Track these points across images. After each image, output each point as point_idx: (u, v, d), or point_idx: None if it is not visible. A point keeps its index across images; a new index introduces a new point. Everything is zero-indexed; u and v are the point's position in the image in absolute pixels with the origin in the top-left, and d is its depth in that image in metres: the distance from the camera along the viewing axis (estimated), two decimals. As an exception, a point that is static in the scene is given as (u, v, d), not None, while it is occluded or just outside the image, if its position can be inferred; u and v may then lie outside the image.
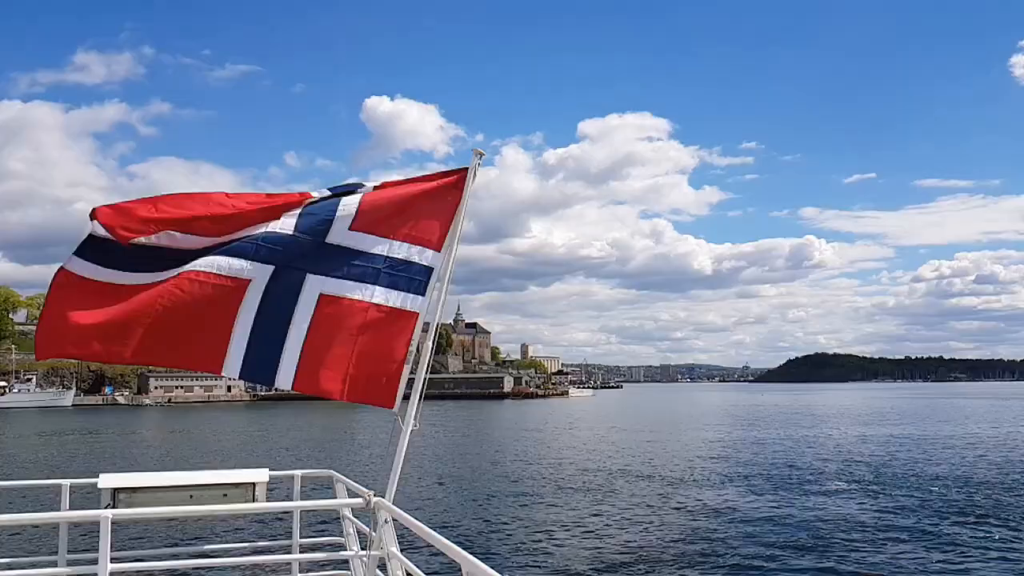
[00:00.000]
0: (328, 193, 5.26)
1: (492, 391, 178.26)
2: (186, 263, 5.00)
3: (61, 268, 5.01)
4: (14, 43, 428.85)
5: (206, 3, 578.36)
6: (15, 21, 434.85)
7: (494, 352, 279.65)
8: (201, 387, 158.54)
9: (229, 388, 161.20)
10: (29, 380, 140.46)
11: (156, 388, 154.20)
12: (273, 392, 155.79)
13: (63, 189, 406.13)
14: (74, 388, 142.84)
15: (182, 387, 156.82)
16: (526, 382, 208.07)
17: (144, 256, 5.02)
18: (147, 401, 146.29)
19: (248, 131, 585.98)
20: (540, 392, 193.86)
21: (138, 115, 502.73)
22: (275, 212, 5.22)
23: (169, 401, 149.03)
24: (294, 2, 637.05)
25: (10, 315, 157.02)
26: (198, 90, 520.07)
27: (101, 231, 4.94)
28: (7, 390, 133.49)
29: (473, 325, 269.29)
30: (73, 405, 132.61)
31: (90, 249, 5.01)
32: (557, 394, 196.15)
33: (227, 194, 5.26)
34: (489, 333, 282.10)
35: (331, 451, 48.21)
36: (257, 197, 5.33)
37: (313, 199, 5.29)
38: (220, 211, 5.14)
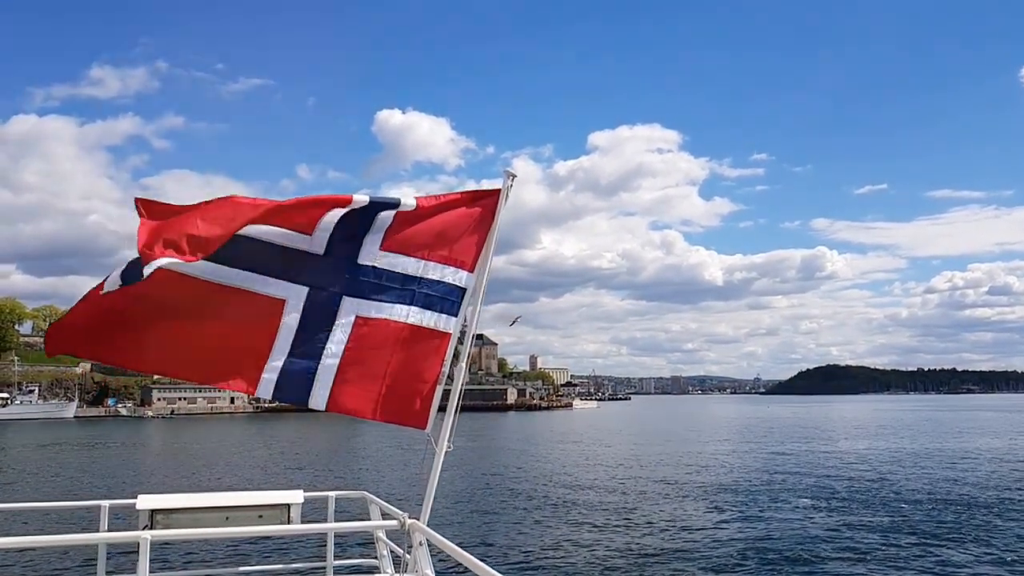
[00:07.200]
0: (367, 200, 5.18)
1: (495, 403, 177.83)
2: (218, 259, 4.87)
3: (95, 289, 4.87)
4: (30, 58, 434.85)
5: (219, 18, 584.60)
6: (31, 36, 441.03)
7: (501, 363, 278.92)
8: (204, 399, 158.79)
9: (232, 400, 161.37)
10: (32, 392, 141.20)
11: (159, 400, 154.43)
12: (276, 404, 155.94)
13: (77, 202, 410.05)
14: (77, 400, 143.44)
15: (185, 399, 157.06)
16: (530, 394, 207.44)
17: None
18: (149, 413, 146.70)
19: (261, 144, 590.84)
20: (543, 404, 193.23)
21: (152, 128, 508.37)
22: (312, 217, 5.08)
23: (172, 413, 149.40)
24: (306, 16, 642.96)
25: (16, 327, 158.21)
26: (211, 103, 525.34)
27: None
28: (9, 402, 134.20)
29: (480, 336, 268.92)
30: (75, 417, 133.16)
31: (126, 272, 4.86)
32: (561, 406, 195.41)
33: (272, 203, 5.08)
34: (496, 344, 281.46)
35: (340, 464, 48.13)
36: (303, 200, 5.19)
37: (352, 207, 5.17)
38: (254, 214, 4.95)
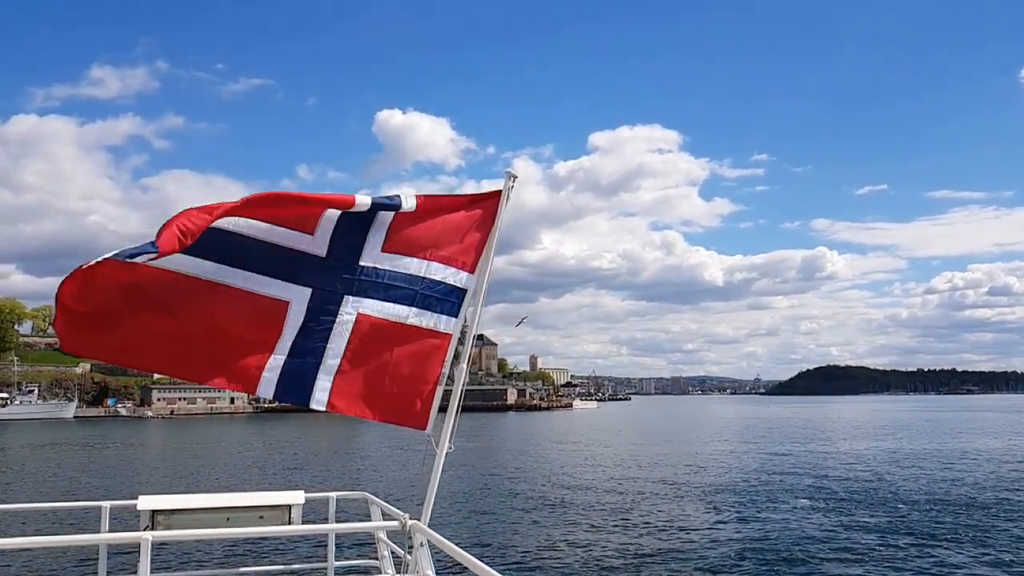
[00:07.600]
0: (370, 202, 5.14)
1: (496, 403, 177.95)
2: (222, 260, 4.87)
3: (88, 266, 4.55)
4: (30, 58, 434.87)
5: (220, 18, 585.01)
6: (31, 36, 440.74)
7: (501, 364, 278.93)
8: (204, 399, 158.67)
9: (232, 400, 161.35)
10: (31, 392, 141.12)
11: (159, 400, 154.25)
12: (276, 405, 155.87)
13: (77, 202, 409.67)
14: (76, 400, 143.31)
15: (185, 399, 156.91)
16: (530, 394, 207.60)
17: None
18: (149, 413, 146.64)
19: (261, 144, 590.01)
20: (543, 404, 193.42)
21: (152, 128, 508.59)
22: (313, 216, 5.05)
23: (172, 413, 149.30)
24: (307, 16, 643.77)
25: (15, 327, 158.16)
26: (211, 104, 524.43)
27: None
28: (8, 402, 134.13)
29: (480, 337, 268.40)
30: (75, 417, 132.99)
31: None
32: (561, 406, 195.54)
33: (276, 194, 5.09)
34: (496, 345, 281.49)
35: (340, 464, 48.15)
36: (308, 196, 5.19)
37: (355, 209, 5.14)
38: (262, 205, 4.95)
